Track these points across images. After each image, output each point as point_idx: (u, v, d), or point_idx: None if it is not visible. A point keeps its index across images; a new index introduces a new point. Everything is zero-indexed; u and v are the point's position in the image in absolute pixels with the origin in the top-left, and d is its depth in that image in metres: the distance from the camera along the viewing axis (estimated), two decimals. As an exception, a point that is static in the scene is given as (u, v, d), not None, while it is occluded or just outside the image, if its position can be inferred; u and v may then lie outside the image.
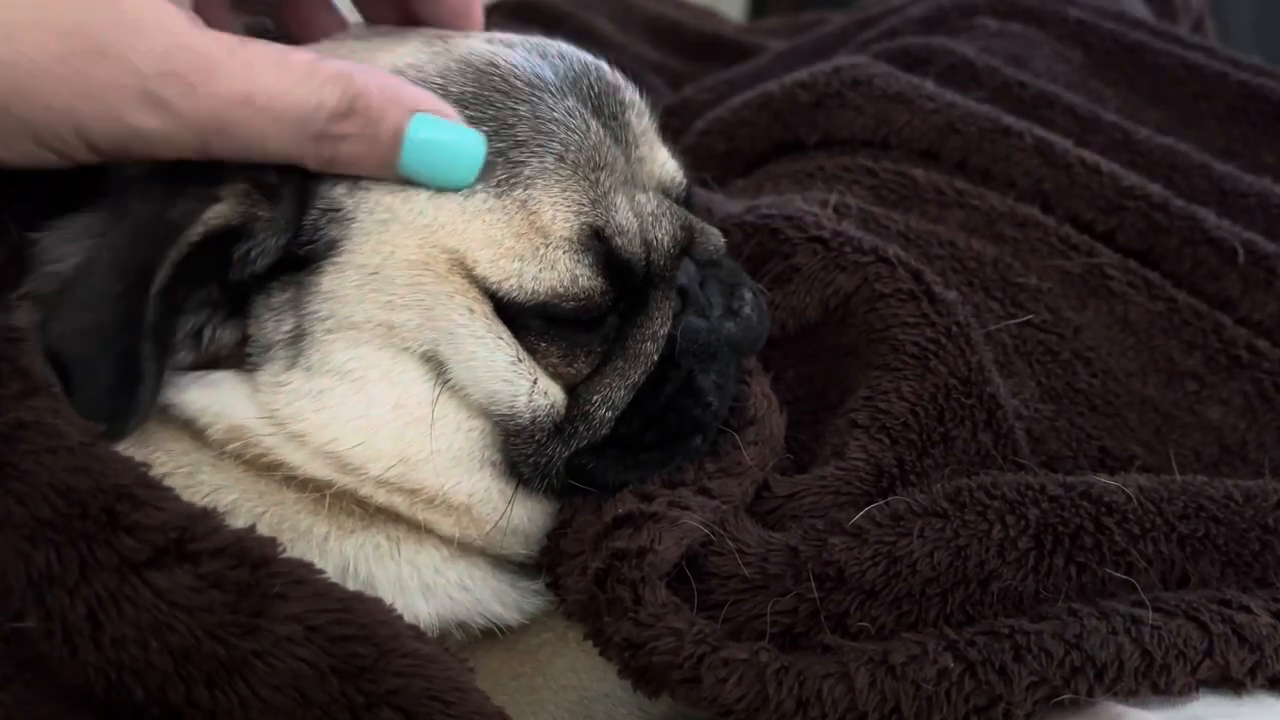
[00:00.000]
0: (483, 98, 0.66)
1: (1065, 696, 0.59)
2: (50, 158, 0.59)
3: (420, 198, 0.64)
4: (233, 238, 0.61)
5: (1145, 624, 0.61)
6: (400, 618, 0.59)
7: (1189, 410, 0.86)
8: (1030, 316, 0.89)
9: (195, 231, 0.59)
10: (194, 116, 0.57)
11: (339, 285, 0.63)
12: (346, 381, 0.64)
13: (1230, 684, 0.62)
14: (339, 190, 0.64)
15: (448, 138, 0.62)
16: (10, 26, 0.56)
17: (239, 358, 0.64)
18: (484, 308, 0.64)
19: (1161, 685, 0.61)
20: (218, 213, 0.59)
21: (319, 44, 0.75)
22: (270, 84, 0.58)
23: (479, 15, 0.77)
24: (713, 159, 1.17)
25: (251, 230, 0.61)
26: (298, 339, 0.64)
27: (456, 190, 0.64)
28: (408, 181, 0.63)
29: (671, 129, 0.88)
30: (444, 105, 0.64)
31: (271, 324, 0.64)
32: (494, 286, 0.64)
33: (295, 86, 0.59)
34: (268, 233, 0.62)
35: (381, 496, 0.66)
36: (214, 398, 0.64)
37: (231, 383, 0.64)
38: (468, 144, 0.63)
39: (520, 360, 0.65)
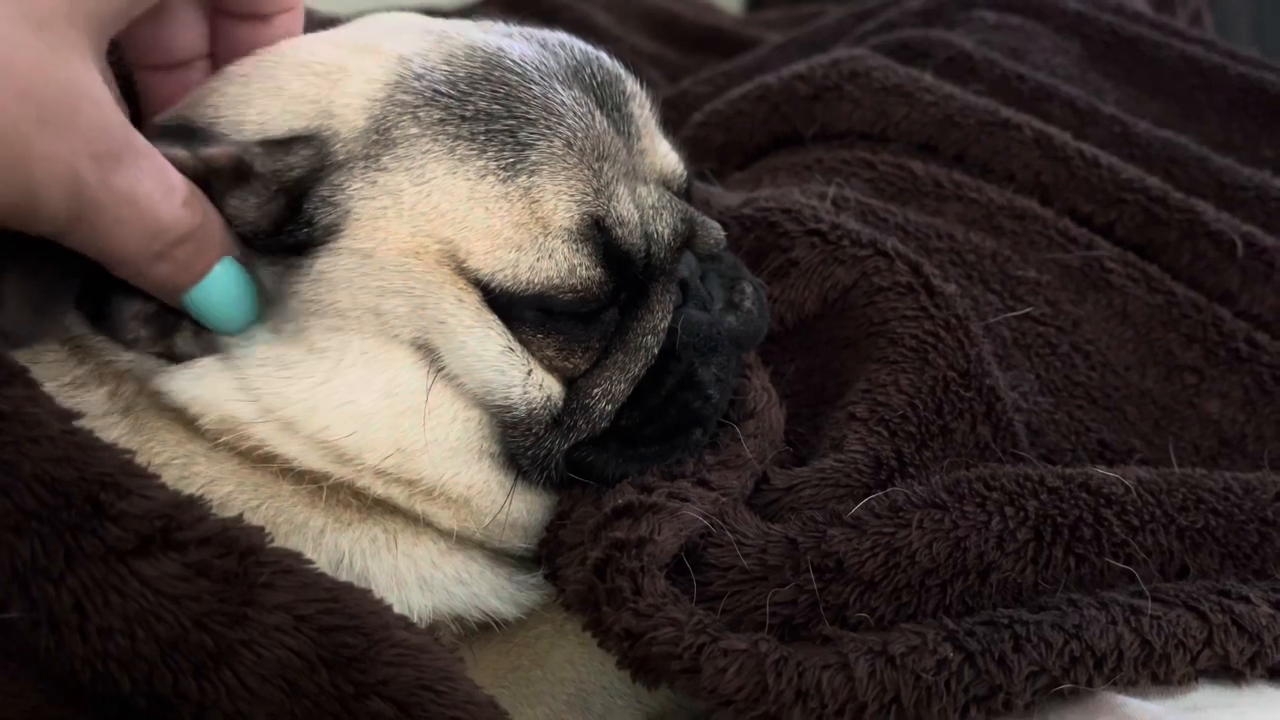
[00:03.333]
0: (493, 78, 0.65)
1: (1065, 686, 0.59)
2: None
3: (431, 181, 0.63)
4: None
5: (1144, 614, 0.61)
6: (389, 608, 0.58)
7: (1188, 403, 0.86)
8: (1029, 309, 0.89)
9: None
10: (91, 202, 0.54)
11: (330, 268, 0.63)
12: (325, 359, 0.63)
13: (1230, 674, 0.62)
14: (343, 177, 0.63)
15: (238, 288, 0.62)
16: None
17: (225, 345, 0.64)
18: (472, 298, 0.63)
19: (1161, 675, 0.60)
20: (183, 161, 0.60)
21: (331, 30, 0.73)
22: (151, 190, 0.56)
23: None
24: (710, 151, 1.16)
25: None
26: (281, 321, 0.64)
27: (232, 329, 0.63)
28: (422, 165, 0.62)
29: (669, 121, 0.88)
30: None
31: None
32: (485, 278, 0.63)
33: (166, 200, 0.57)
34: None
35: (380, 488, 0.65)
36: (202, 386, 0.63)
37: (217, 371, 0.63)
38: (247, 298, 0.63)
39: (511, 350, 0.64)
